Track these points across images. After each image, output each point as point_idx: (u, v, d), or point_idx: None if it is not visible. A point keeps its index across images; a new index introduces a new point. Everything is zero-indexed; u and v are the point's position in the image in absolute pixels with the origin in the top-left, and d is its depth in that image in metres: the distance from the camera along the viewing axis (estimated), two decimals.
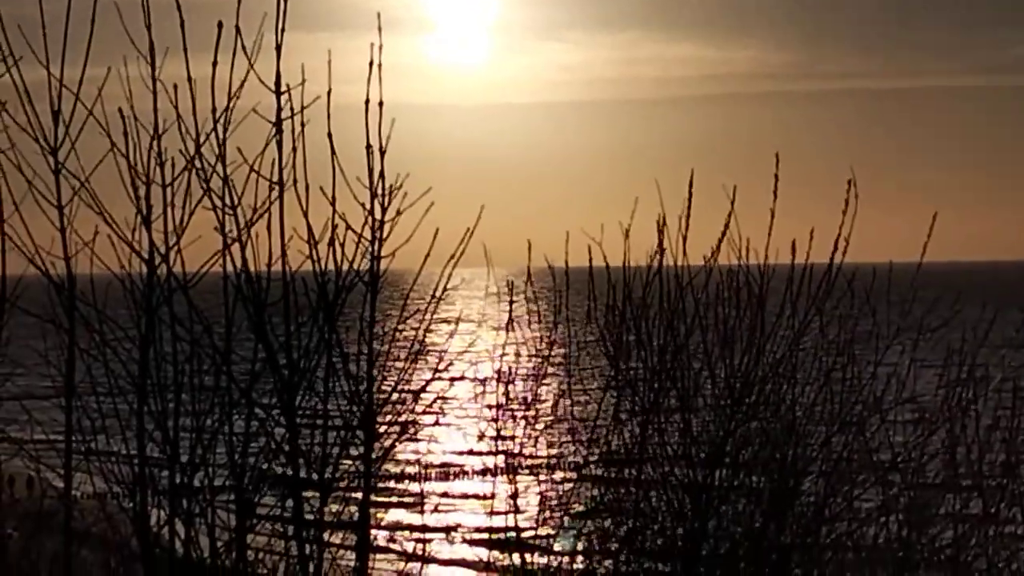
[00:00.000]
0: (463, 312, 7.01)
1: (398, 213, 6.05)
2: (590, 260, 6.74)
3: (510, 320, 7.07)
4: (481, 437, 7.12)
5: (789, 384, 6.35)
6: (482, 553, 7.42)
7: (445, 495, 7.47)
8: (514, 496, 6.71)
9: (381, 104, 5.92)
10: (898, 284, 6.87)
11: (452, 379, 6.79)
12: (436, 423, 7.39)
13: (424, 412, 6.71)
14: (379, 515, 6.73)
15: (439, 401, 6.86)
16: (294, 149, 5.95)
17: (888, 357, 6.64)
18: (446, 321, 6.68)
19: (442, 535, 7.97)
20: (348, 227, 6.01)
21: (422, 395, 6.63)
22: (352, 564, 6.25)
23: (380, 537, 6.81)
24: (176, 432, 6.01)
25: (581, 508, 6.91)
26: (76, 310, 6.11)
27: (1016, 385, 6.47)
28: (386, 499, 6.58)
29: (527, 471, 6.99)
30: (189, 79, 5.96)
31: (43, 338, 6.18)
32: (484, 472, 7.48)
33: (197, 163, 5.94)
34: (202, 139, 5.89)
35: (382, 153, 5.94)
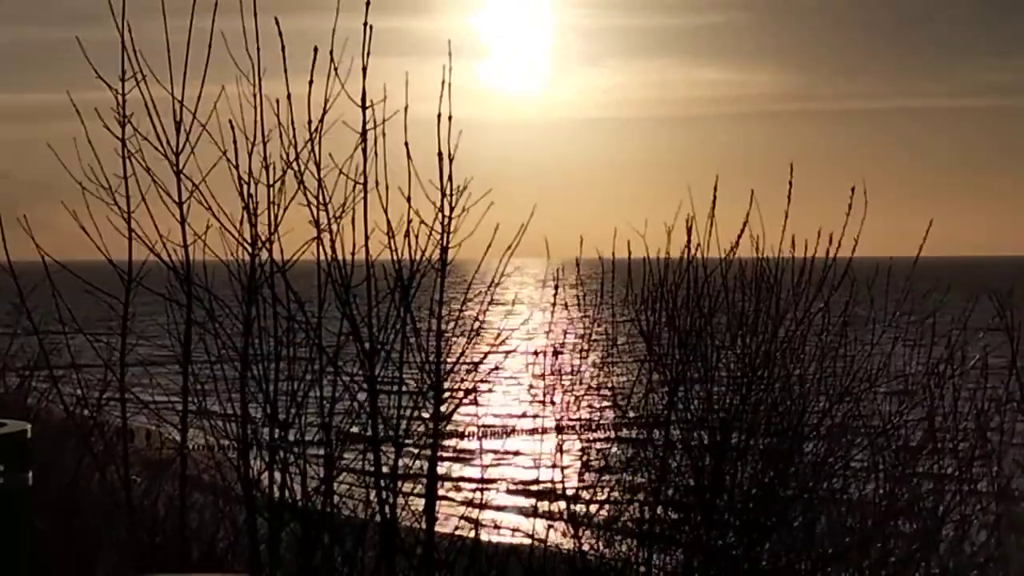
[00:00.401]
0: (517, 295, 7.57)
1: (464, 211, 6.50)
2: (629, 252, 7.05)
3: (555, 302, 7.42)
4: (531, 403, 7.49)
5: (795, 361, 6.69)
6: (529, 501, 7.79)
7: (499, 452, 7.90)
8: (559, 452, 7.07)
9: (451, 118, 6.42)
10: (897, 276, 7.19)
11: (507, 353, 7.30)
12: (491, 391, 7.57)
13: (482, 381, 7.01)
14: (444, 468, 6.98)
15: (495, 371, 7.18)
16: (376, 155, 6.38)
17: (884, 340, 6.96)
18: (502, 303, 7.24)
19: (497, 485, 8.39)
20: (421, 221, 6.46)
21: (481, 366, 6.96)
22: (421, 508, 6.57)
23: (445, 486, 7.05)
24: (275, 395, 6.49)
25: (616, 464, 7.30)
26: (191, 291, 6.56)
27: (986, 362, 6.90)
28: (449, 455, 7.09)
29: (570, 431, 7.34)
30: (288, 96, 6.36)
31: (164, 313, 6.73)
32: (533, 432, 7.62)
33: (294, 167, 6.43)
34: (299, 146, 6.38)
35: (451, 159, 6.42)
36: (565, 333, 7.73)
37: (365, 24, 6.37)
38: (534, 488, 7.69)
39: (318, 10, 6.84)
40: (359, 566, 6.52)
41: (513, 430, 7.75)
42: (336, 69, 6.33)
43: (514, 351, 7.54)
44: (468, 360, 7.01)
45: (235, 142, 6.36)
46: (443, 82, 6.46)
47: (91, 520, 6.65)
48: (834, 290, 6.83)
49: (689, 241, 6.85)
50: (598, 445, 7.48)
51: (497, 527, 7.73)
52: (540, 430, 7.43)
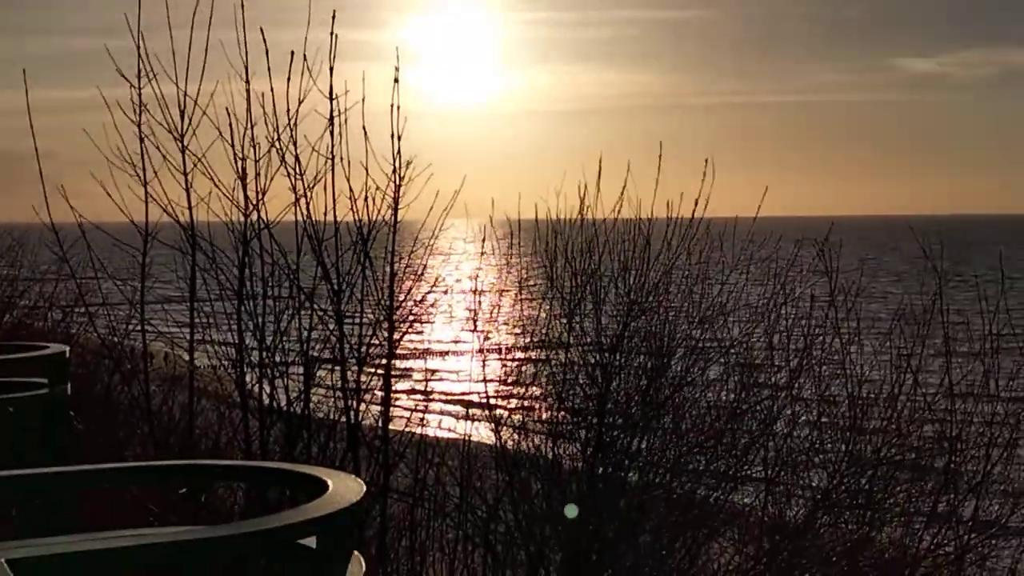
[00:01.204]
0: (452, 247, 8.21)
1: (410, 179, 7.13)
2: (536, 213, 7.69)
3: (481, 251, 8.10)
4: (463, 329, 8.22)
5: (665, 295, 7.31)
6: (461, 408, 8.40)
7: (438, 371, 8.63)
8: (483, 368, 7.76)
9: (399, 108, 7.03)
10: (743, 231, 8.03)
11: (444, 291, 7.96)
12: (430, 322, 8.28)
13: (424, 313, 7.69)
14: (396, 383, 7.58)
15: (434, 307, 7.83)
16: (341, 137, 7.05)
17: (733, 279, 7.73)
18: (441, 254, 7.88)
19: (437, 396, 8.93)
20: (377, 188, 7.09)
21: (424, 301, 7.60)
22: (378, 412, 7.26)
23: (397, 396, 7.59)
24: (263, 325, 7.15)
25: (528, 378, 7.91)
26: (195, 243, 7.14)
27: (812, 295, 7.45)
28: (400, 371, 7.77)
29: (494, 352, 8.08)
30: (272, 90, 7.00)
31: (174, 262, 7.41)
32: (464, 354, 8.40)
33: (277, 146, 7.05)
34: (280, 130, 7.03)
35: (399, 138, 7.06)
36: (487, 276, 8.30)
37: (332, 33, 7.02)
38: (465, 397, 8.33)
39: (295, 23, 7.26)
40: (331, 456, 6.97)
41: (450, 352, 8.79)
42: (309, 69, 6.96)
43: (448, 291, 8.14)
44: (414, 298, 7.61)
45: (230, 127, 7.00)
46: (395, 79, 7.04)
47: (121, 422, 7.26)
48: (693, 242, 7.39)
49: (582, 204, 7.38)
50: (514, 364, 8.09)
51: (438, 427, 8.21)
52: (471, 352, 8.07)
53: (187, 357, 7.58)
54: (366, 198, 7.24)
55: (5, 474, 3.48)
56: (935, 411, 7.09)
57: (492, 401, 7.66)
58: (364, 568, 2.39)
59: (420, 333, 7.93)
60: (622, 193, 7.33)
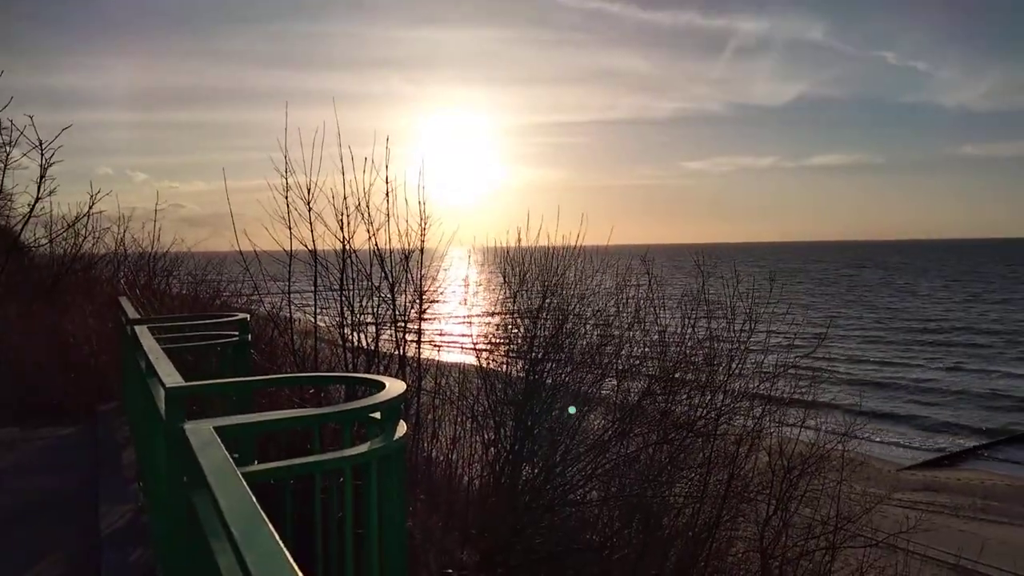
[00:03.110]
0: (451, 262, 7.91)
1: (429, 226, 7.11)
2: (495, 243, 7.71)
3: (469, 268, 8.16)
4: (458, 305, 8.05)
5: (562, 286, 7.21)
6: (459, 347, 8.66)
7: (445, 333, 8.77)
8: (470, 325, 7.94)
9: (423, 187, 6.98)
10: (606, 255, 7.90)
11: (450, 287, 7.91)
12: (441, 301, 7.81)
13: (436, 301, 7.59)
14: (423, 333, 7.42)
15: (442, 293, 7.74)
16: (392, 201, 7.01)
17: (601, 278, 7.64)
18: (446, 269, 7.81)
19: (449, 345, 8.70)
20: (411, 230, 7.08)
21: (437, 290, 7.56)
22: (414, 348, 7.17)
23: (425, 341, 7.43)
24: (352, 304, 7.03)
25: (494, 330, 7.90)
26: (316, 260, 7.00)
27: (638, 283, 7.44)
28: (425, 328, 7.51)
29: (476, 317, 8.12)
30: (354, 178, 6.88)
31: (305, 272, 7.11)
32: (459, 318, 8.31)
33: (360, 207, 6.90)
34: (360, 199, 6.93)
35: (423, 203, 7.02)
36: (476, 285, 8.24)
37: (386, 147, 6.92)
38: (460, 341, 8.50)
39: (367, 143, 6.98)
40: (389, 372, 6.76)
41: (450, 317, 8.70)
42: (375, 167, 6.89)
43: (450, 283, 7.98)
44: (431, 293, 7.53)
45: (334, 197, 6.94)
46: (420, 172, 7.00)
47: (278, 356, 7.09)
48: (577, 257, 7.32)
49: (519, 237, 7.45)
50: (487, 323, 8.09)
51: (445, 356, 8.21)
52: (463, 317, 8.19)
53: (313, 321, 7.42)
54: (406, 235, 7.19)
55: (217, 381, 3.66)
56: (703, 344, 7.19)
57: (476, 342, 7.65)
58: (406, 429, 2.38)
59: (436, 306, 7.65)
60: (539, 231, 7.38)
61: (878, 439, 22.68)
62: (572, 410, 6.33)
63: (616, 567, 5.88)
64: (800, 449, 7.26)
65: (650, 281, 7.46)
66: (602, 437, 6.44)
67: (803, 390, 7.35)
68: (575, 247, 7.25)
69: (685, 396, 6.95)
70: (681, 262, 8.77)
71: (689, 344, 7.06)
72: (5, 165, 8.93)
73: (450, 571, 5.13)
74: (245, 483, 1.44)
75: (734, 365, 6.84)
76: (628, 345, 7.17)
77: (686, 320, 7.10)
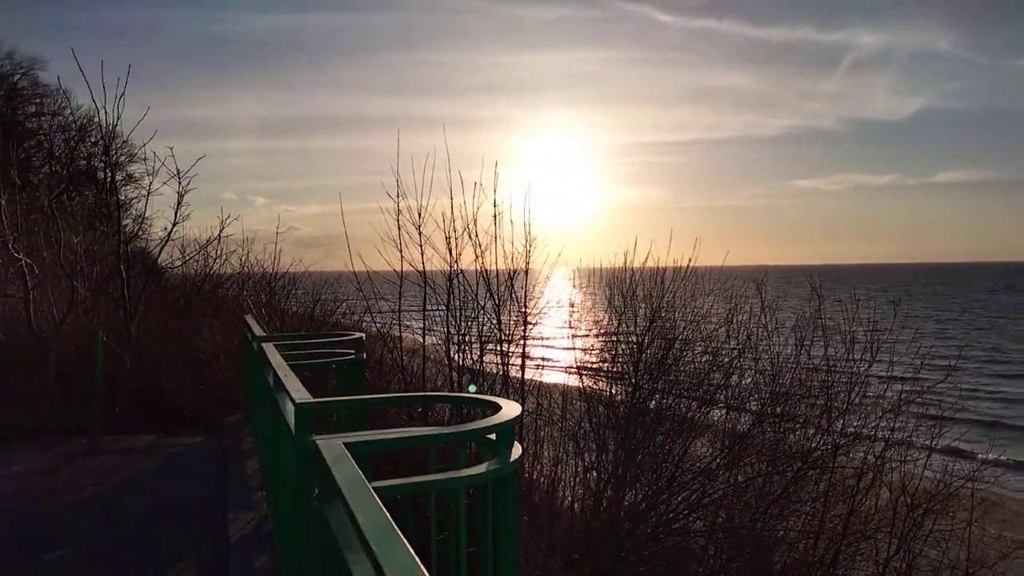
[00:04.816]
0: (555, 286, 7.99)
1: (534, 248, 7.11)
2: (601, 265, 7.69)
3: (572, 289, 8.37)
4: (561, 326, 8.09)
5: (671, 308, 7.15)
6: (562, 367, 8.51)
7: (548, 353, 8.91)
8: (573, 346, 7.76)
9: (530, 210, 7.04)
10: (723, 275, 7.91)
11: (553, 307, 7.97)
12: (542, 324, 7.97)
13: (541, 316, 7.68)
14: (524, 355, 7.32)
15: (545, 318, 7.80)
16: (498, 224, 7.04)
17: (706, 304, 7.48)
18: (550, 288, 7.87)
19: (552, 365, 8.82)
20: (516, 252, 7.11)
21: (542, 311, 7.67)
22: (518, 368, 7.14)
23: (529, 362, 7.29)
24: (459, 323, 7.15)
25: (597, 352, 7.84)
26: (426, 281, 7.16)
27: (751, 308, 7.21)
28: (529, 347, 7.51)
29: (579, 338, 7.98)
30: (463, 202, 6.97)
31: (414, 291, 7.38)
32: (562, 339, 8.17)
33: (468, 230, 7.03)
34: (468, 222, 7.04)
35: (529, 226, 7.05)
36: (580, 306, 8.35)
37: (495, 172, 7.00)
38: (563, 362, 8.36)
39: (475, 166, 7.08)
40: (492, 392, 6.71)
41: (554, 338, 8.70)
42: (483, 190, 6.98)
43: (557, 307, 8.12)
44: (536, 311, 7.64)
45: (443, 222, 7.05)
46: (525, 195, 7.06)
47: (387, 374, 7.22)
48: (687, 280, 7.19)
49: (626, 261, 7.33)
50: (590, 345, 8.03)
51: (547, 376, 8.19)
52: (567, 338, 8.01)
53: (421, 339, 7.54)
54: (511, 257, 7.23)
55: (344, 399, 3.84)
56: (819, 370, 6.87)
57: (578, 364, 7.58)
58: (520, 451, 2.40)
59: (539, 326, 7.70)
60: (648, 254, 7.28)
61: (1014, 479, 20.71)
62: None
63: None
64: (925, 486, 6.75)
65: (763, 305, 7.18)
66: (709, 465, 6.25)
67: (930, 424, 6.84)
68: (686, 268, 7.12)
69: (799, 425, 6.61)
70: (795, 284, 8.40)
71: (804, 371, 6.71)
72: (148, 193, 9.77)
73: None
74: (377, 498, 1.52)
75: (853, 394, 6.47)
76: (738, 371, 6.94)
77: (800, 346, 6.72)
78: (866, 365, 6.78)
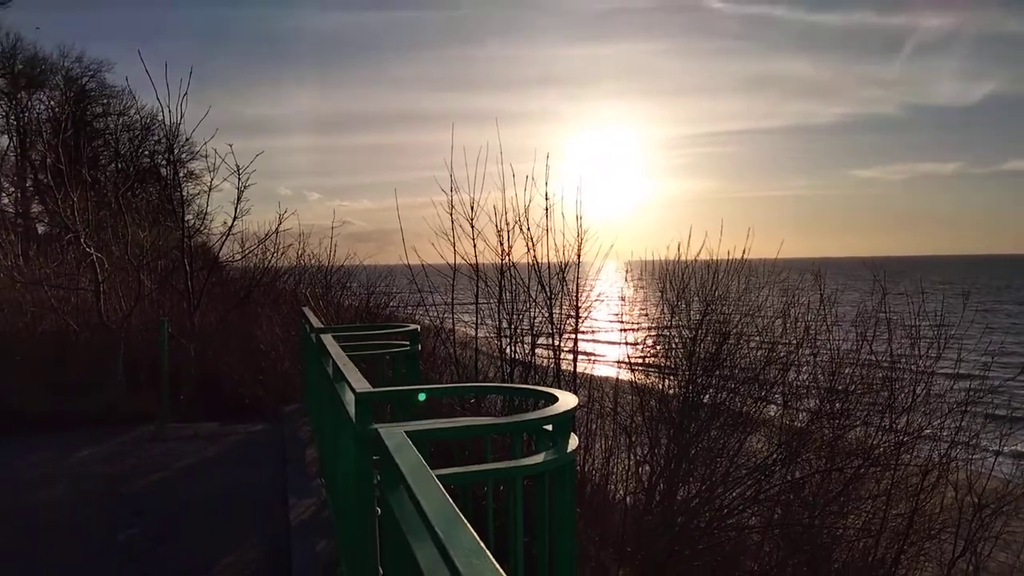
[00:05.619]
0: (606, 278, 7.88)
1: (585, 240, 7.13)
2: (655, 257, 7.58)
3: (623, 282, 8.18)
4: (612, 319, 8.14)
5: (725, 300, 7.06)
6: (613, 360, 8.29)
7: (599, 345, 8.71)
8: (625, 339, 7.71)
9: (580, 203, 7.05)
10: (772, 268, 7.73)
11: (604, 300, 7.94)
12: (593, 318, 7.95)
13: (590, 309, 7.58)
14: (576, 348, 7.31)
15: (596, 311, 7.75)
16: (550, 217, 7.08)
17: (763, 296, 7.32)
18: (601, 281, 7.76)
19: (601, 358, 8.97)
20: (568, 244, 7.13)
21: (593, 304, 7.57)
22: (570, 360, 7.16)
23: (580, 358, 7.34)
24: (512, 316, 7.20)
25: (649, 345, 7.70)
26: (479, 274, 7.26)
27: (808, 301, 7.03)
28: (582, 341, 7.55)
29: (630, 331, 7.93)
30: (515, 195, 7.03)
31: (467, 284, 7.46)
32: (614, 331, 8.12)
33: (519, 223, 7.06)
34: (520, 214, 7.08)
35: (580, 218, 7.06)
36: (632, 300, 8.20)
37: (546, 165, 7.10)
38: (615, 354, 8.17)
39: (528, 159, 7.10)
40: (544, 384, 6.64)
41: (606, 331, 8.65)
42: (535, 183, 7.07)
43: (607, 300, 8.04)
44: (588, 302, 7.53)
45: (495, 215, 7.16)
46: (577, 187, 7.09)
47: (440, 365, 7.41)
48: (741, 272, 7.16)
49: (679, 253, 7.25)
50: (642, 337, 7.91)
51: (598, 369, 8.28)
52: (619, 331, 7.98)
53: (473, 332, 7.62)
54: (563, 249, 7.26)
55: (393, 388, 3.90)
56: (882, 365, 6.68)
57: (630, 357, 7.55)
58: (577, 442, 2.40)
59: (590, 319, 7.64)
60: (702, 246, 7.18)
61: None
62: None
63: None
64: (993, 485, 6.50)
65: (821, 297, 6.99)
66: (765, 460, 6.14)
67: (999, 425, 6.58)
68: (739, 260, 7.02)
69: (860, 422, 6.44)
70: (852, 277, 8.16)
71: (865, 366, 6.52)
72: (210, 189, 10.08)
73: None
74: (440, 485, 1.55)
75: (918, 390, 6.27)
76: (795, 365, 6.78)
77: (862, 340, 6.53)
78: (931, 361, 6.51)
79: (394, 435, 1.95)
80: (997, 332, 7.43)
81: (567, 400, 2.40)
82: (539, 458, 2.16)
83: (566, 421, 2.30)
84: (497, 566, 1.17)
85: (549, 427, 2.35)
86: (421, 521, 1.46)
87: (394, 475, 1.82)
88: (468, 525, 1.32)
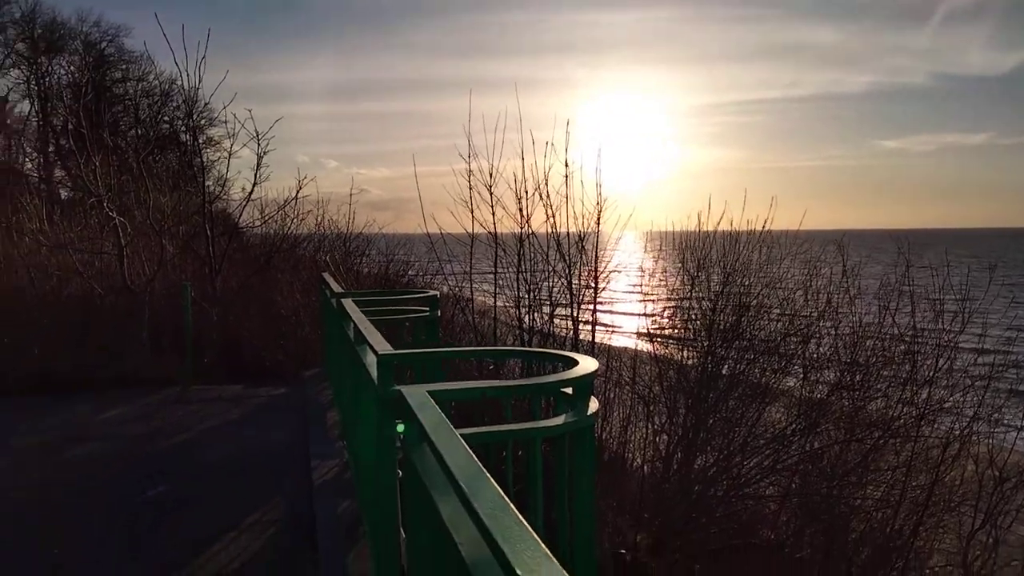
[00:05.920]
0: (625, 248, 8.06)
1: (604, 209, 7.09)
2: (674, 227, 7.49)
3: (643, 252, 8.29)
4: (632, 289, 8.28)
5: (746, 271, 6.95)
6: (632, 331, 8.18)
7: (617, 315, 8.63)
8: (644, 308, 7.59)
9: (600, 170, 7.02)
10: (792, 239, 7.55)
11: (623, 271, 7.95)
12: (611, 289, 7.88)
13: (609, 278, 7.48)
14: (595, 318, 7.30)
15: (615, 280, 7.68)
16: (569, 184, 7.04)
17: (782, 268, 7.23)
18: (620, 251, 7.81)
19: (619, 328, 8.46)
20: (587, 212, 7.11)
21: (611, 273, 7.51)
22: (588, 330, 7.13)
23: (599, 328, 7.31)
24: (529, 285, 7.21)
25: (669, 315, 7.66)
26: (497, 242, 7.26)
27: (831, 271, 6.92)
28: (600, 311, 7.46)
29: (649, 302, 7.77)
30: (535, 162, 7.01)
31: (485, 253, 7.42)
32: (632, 302, 8.34)
33: (539, 191, 7.00)
34: (540, 182, 7.00)
35: (599, 186, 7.03)
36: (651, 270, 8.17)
37: (566, 131, 7.04)
38: (634, 325, 8.15)
39: (547, 126, 7.17)
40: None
41: (625, 301, 8.63)
42: (555, 150, 7.02)
43: (626, 270, 8.10)
44: (606, 271, 7.46)
45: (514, 182, 7.12)
46: (597, 154, 7.06)
47: (459, 332, 7.42)
48: (763, 243, 7.03)
49: (699, 223, 7.16)
50: (661, 308, 7.83)
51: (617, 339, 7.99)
52: (638, 301, 7.99)
53: (491, 301, 7.63)
54: (582, 218, 7.24)
55: (424, 351, 3.94)
56: (904, 338, 6.62)
57: (649, 327, 7.51)
58: (597, 406, 2.40)
59: (609, 289, 7.59)
60: (722, 216, 7.10)
61: None
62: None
63: (796, 568, 5.63)
64: (1015, 459, 6.46)
65: (844, 269, 6.81)
66: (784, 431, 6.15)
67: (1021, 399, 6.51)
68: (762, 231, 6.93)
69: (880, 393, 6.41)
70: (875, 249, 8.03)
71: (887, 338, 6.46)
72: (230, 155, 10.14)
73: (623, 551, 5.20)
74: (464, 442, 1.58)
75: (940, 362, 6.21)
76: (816, 337, 6.68)
77: (884, 312, 6.46)
78: (954, 334, 6.44)
79: (417, 394, 1.98)
80: (1023, 306, 7.26)
81: (587, 364, 2.42)
82: (559, 420, 2.18)
83: (586, 384, 2.32)
84: (521, 519, 1.19)
85: (569, 390, 2.37)
86: (445, 476, 1.48)
87: (417, 433, 1.84)
88: (492, 480, 1.34)
